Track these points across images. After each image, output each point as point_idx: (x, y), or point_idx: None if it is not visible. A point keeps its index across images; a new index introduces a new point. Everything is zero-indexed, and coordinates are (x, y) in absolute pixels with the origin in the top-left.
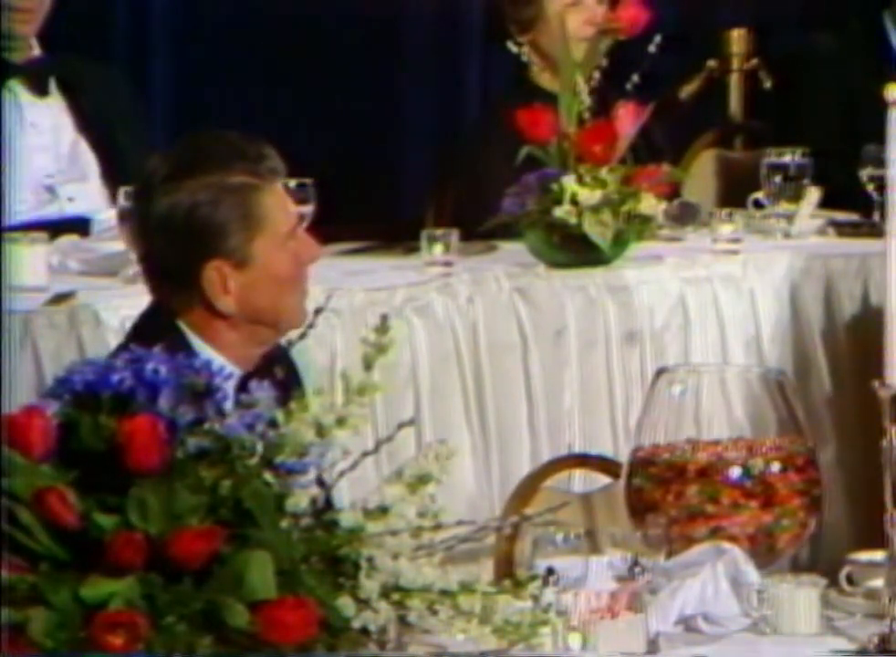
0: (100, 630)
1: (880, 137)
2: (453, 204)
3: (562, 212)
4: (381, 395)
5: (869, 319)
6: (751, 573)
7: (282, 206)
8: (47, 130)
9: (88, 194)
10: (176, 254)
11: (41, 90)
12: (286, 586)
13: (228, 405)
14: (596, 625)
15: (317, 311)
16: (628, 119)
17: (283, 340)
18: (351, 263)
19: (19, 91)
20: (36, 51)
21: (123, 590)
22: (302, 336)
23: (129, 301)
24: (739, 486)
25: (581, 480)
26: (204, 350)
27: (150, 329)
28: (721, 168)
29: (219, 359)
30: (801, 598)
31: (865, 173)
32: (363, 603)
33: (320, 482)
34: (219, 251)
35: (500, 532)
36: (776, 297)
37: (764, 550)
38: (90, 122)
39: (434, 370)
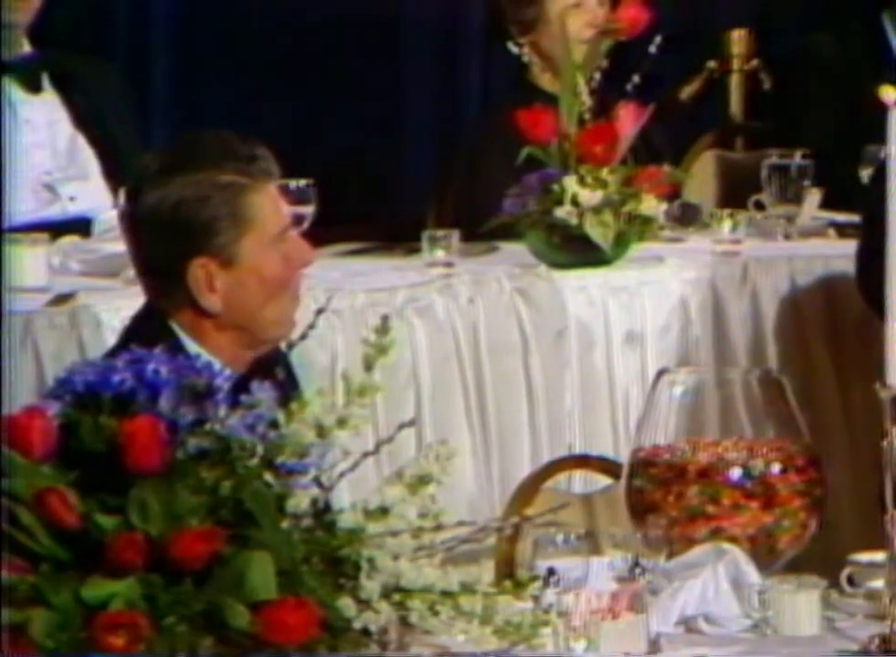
0: (101, 630)
1: (880, 138)
2: (454, 205)
3: (563, 212)
4: (382, 396)
5: (870, 320)
6: (752, 574)
7: (273, 208)
8: (42, 126)
9: (90, 193)
10: (162, 249)
11: (34, 87)
12: (287, 586)
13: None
14: (597, 626)
15: (319, 312)
16: (628, 120)
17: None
18: (352, 264)
19: (12, 89)
20: (27, 48)
21: (124, 591)
22: (303, 337)
23: (130, 302)
24: (740, 487)
25: (582, 481)
26: (196, 351)
27: (143, 331)
28: (721, 169)
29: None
30: (802, 599)
31: (865, 174)
32: (364, 604)
33: (319, 483)
34: (205, 248)
35: (501, 533)
36: (777, 297)
37: (764, 551)
38: (86, 118)
39: (435, 371)
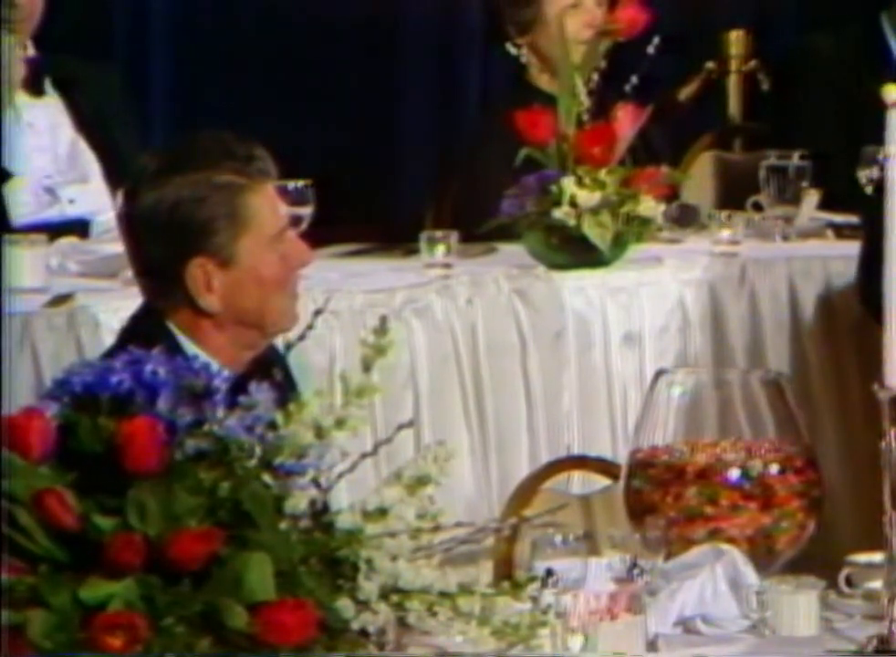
0: (99, 631)
1: (878, 138)
2: (453, 206)
3: (561, 213)
4: (380, 397)
5: (868, 321)
6: (750, 575)
7: (271, 208)
8: (45, 130)
9: (90, 196)
10: (160, 250)
11: (37, 90)
12: (285, 587)
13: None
14: (595, 626)
15: (317, 313)
16: (627, 121)
17: (280, 342)
18: (351, 264)
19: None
20: (31, 51)
21: (122, 592)
22: (301, 338)
23: (128, 303)
24: (738, 488)
25: (580, 482)
26: (193, 352)
27: (140, 331)
28: (719, 170)
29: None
30: (800, 599)
31: (864, 175)
32: (362, 605)
33: (317, 484)
34: (203, 248)
35: (499, 534)
36: (776, 298)
37: (763, 552)
38: (88, 121)
39: (433, 372)
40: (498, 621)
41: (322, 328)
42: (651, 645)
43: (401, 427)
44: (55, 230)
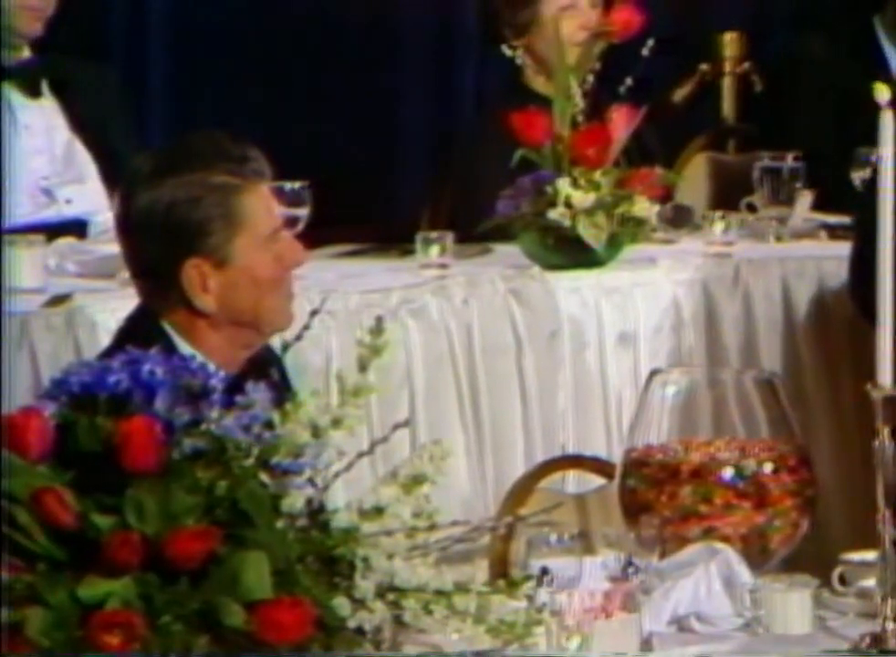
0: (97, 629)
1: (871, 140)
2: (449, 207)
3: (556, 214)
4: (376, 396)
5: (861, 321)
6: (744, 573)
7: (265, 208)
8: (41, 131)
9: (86, 196)
10: (156, 251)
11: (34, 92)
12: (282, 586)
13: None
14: (590, 625)
15: (313, 313)
16: (621, 123)
17: (278, 342)
18: (347, 265)
19: (11, 93)
20: (27, 53)
21: (120, 590)
22: (298, 338)
23: (125, 303)
24: (732, 487)
25: (575, 481)
26: (189, 352)
27: (136, 332)
28: (714, 171)
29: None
30: (794, 598)
31: (857, 176)
32: (359, 603)
33: (313, 483)
34: (198, 249)
35: (494, 532)
36: (769, 299)
37: (756, 551)
38: (84, 122)
39: (429, 372)
40: (494, 620)
41: (318, 328)
42: (646, 643)
43: (397, 426)
44: (52, 230)
